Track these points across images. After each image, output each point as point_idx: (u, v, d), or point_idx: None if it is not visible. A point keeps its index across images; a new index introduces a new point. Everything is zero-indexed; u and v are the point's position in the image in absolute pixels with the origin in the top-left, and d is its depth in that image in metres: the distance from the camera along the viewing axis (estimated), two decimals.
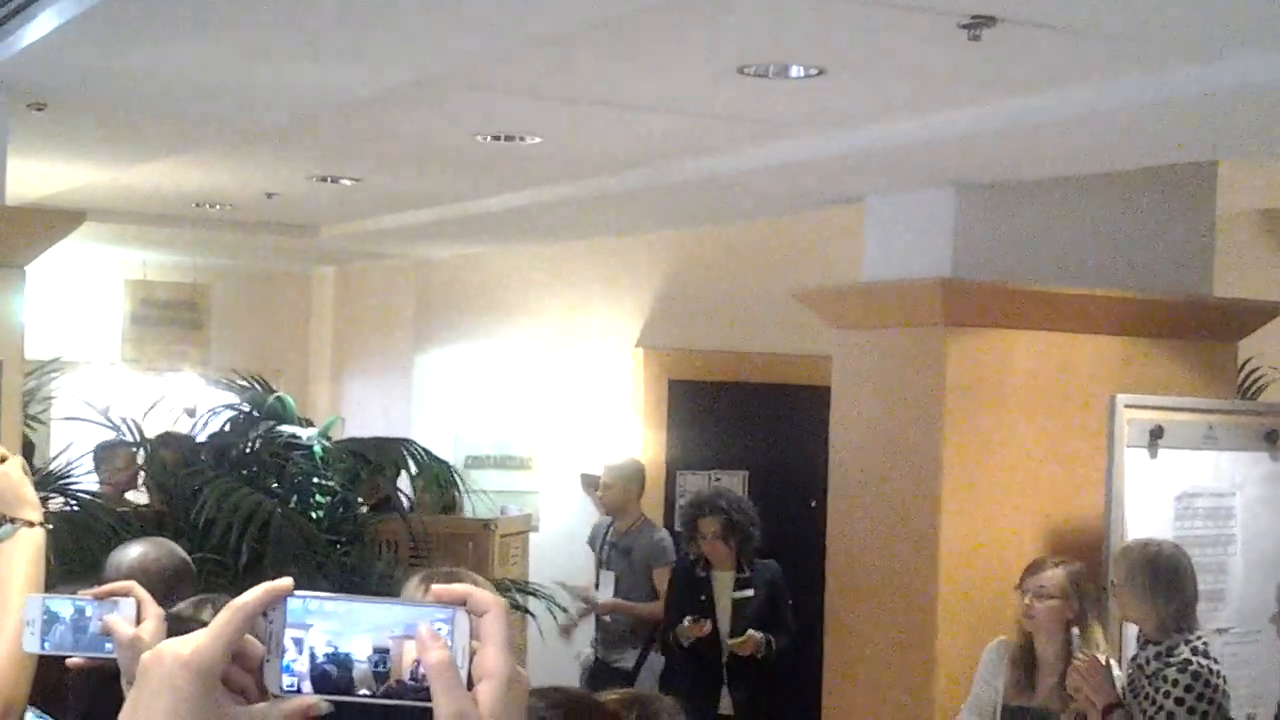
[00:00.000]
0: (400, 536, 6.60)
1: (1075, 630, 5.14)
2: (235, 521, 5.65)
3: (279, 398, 6.64)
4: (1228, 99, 4.40)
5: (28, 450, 6.47)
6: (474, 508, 8.22)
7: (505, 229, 8.30)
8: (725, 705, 6.96)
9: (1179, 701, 4.80)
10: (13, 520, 2.46)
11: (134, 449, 7.55)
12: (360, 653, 1.23)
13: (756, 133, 5.54)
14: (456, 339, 9.58)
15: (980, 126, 4.93)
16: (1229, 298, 6.68)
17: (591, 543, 8.54)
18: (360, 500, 6.68)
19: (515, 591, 6.52)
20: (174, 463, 7.70)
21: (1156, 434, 5.82)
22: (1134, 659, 5.08)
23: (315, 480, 6.20)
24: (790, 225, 8.59)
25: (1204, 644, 4.94)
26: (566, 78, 4.80)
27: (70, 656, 2.08)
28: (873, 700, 6.22)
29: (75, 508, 5.99)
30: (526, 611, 6.83)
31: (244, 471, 6.23)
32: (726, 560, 7.06)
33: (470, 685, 1.21)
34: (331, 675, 1.22)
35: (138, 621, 1.85)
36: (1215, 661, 4.92)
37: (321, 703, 1.22)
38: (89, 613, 1.96)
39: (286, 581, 1.25)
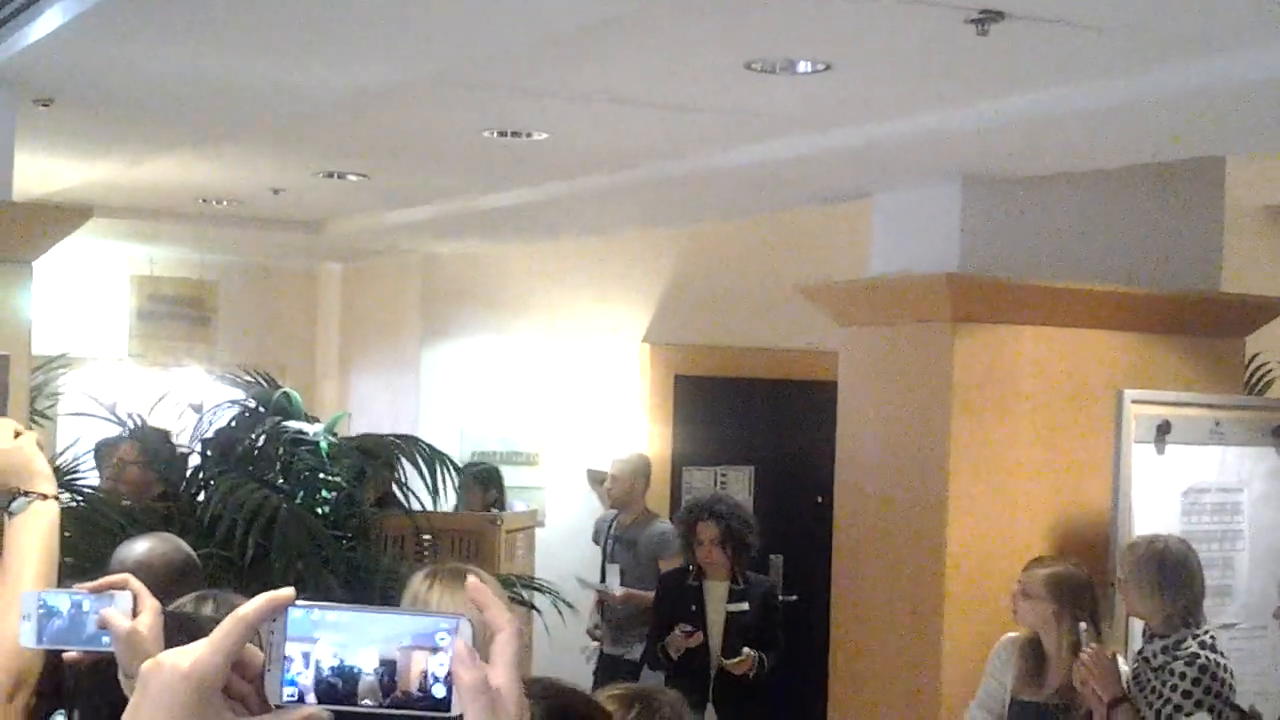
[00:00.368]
0: (406, 532, 6.60)
1: (1083, 625, 5.13)
2: (241, 517, 5.65)
3: (285, 393, 6.64)
4: (1236, 94, 4.39)
5: None
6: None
7: (512, 225, 8.30)
8: None
9: (1186, 694, 4.80)
10: (26, 494, 2.47)
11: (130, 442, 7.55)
12: (367, 665, 1.22)
13: (763, 128, 5.54)
14: (463, 335, 9.58)
15: (988, 122, 4.92)
16: (1236, 293, 6.66)
17: (596, 537, 8.57)
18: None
19: (520, 587, 6.52)
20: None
21: (1164, 429, 5.81)
22: (1140, 653, 5.08)
23: (321, 476, 6.20)
24: (797, 220, 8.59)
25: (1211, 638, 4.95)
26: (573, 74, 4.80)
27: (67, 650, 2.08)
28: (879, 696, 6.22)
29: (82, 503, 5.99)
30: (532, 607, 6.83)
31: (250, 467, 6.23)
32: (721, 569, 6.74)
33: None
34: (336, 687, 1.22)
35: (134, 614, 1.85)
36: (1222, 655, 4.92)
37: (323, 712, 1.22)
38: (86, 607, 1.96)
39: (288, 592, 1.25)
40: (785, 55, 4.38)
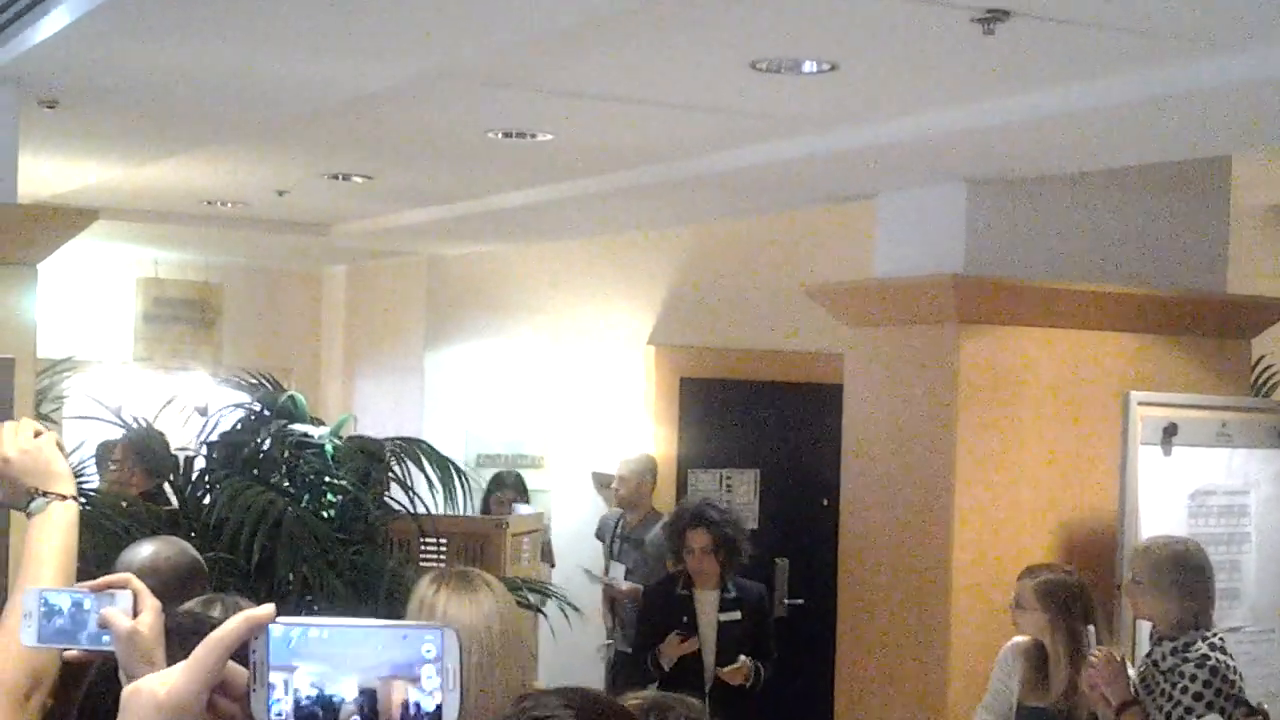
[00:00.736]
0: (412, 536, 6.59)
1: (1091, 627, 5.12)
2: (247, 520, 5.64)
3: (290, 396, 6.63)
4: (1240, 93, 4.38)
5: None
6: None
7: (517, 226, 8.29)
8: None
9: (1197, 696, 4.80)
10: (45, 494, 2.46)
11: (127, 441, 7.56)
12: (347, 694, 1.22)
13: (769, 128, 5.53)
14: (468, 337, 9.57)
15: (993, 122, 4.91)
16: (1243, 294, 6.66)
17: (600, 535, 8.58)
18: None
19: (527, 590, 6.50)
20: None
21: (1170, 431, 5.80)
22: (1148, 655, 5.07)
23: (326, 479, 6.19)
24: (802, 221, 8.59)
25: (1220, 640, 4.94)
26: (578, 74, 4.80)
27: (68, 649, 2.08)
28: (886, 699, 6.21)
29: (87, 506, 5.98)
30: (538, 610, 6.81)
31: (255, 470, 6.22)
32: (711, 578, 6.45)
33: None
34: (317, 716, 1.21)
35: (135, 614, 1.85)
36: (1231, 658, 4.91)
37: None
38: (86, 606, 1.95)
39: (267, 610, 1.24)
40: (791, 55, 4.37)
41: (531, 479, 9.07)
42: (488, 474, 8.81)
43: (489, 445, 9.41)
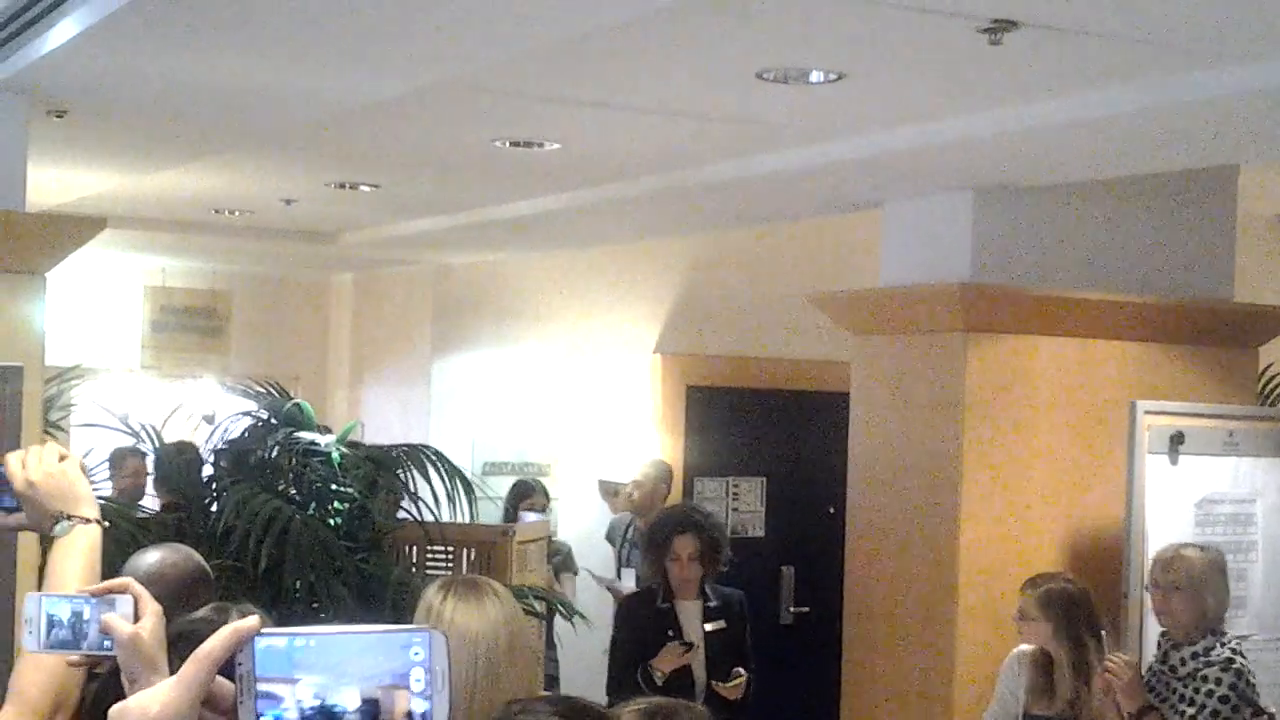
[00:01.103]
0: (418, 543, 6.60)
1: (1104, 632, 5.14)
2: (254, 528, 5.65)
3: (297, 404, 6.64)
4: (1247, 103, 4.39)
5: None
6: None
7: (523, 235, 8.30)
8: None
9: (1224, 700, 4.84)
10: (70, 517, 2.48)
11: (142, 457, 7.59)
12: (349, 703, 1.22)
13: (775, 138, 5.53)
14: (474, 345, 9.58)
15: (1000, 131, 4.91)
16: (1249, 303, 6.66)
17: (610, 539, 8.59)
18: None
19: (533, 598, 6.51)
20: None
21: (1177, 440, 5.80)
22: (1163, 661, 5.08)
23: (333, 487, 6.20)
24: (809, 230, 8.59)
25: (1238, 643, 5.01)
26: (584, 83, 4.80)
27: (70, 655, 2.09)
28: (892, 706, 6.20)
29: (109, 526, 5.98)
30: (543, 618, 6.82)
31: (262, 478, 6.23)
32: (693, 587, 6.06)
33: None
34: None
35: (135, 619, 1.85)
36: (1249, 662, 4.99)
37: None
38: (87, 612, 1.96)
39: (252, 621, 1.25)
40: (798, 64, 4.38)
41: None
42: (494, 482, 8.82)
43: (496, 453, 9.42)
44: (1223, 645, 4.97)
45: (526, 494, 8.53)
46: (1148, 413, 5.75)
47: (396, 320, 10.34)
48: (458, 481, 6.34)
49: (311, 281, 11.12)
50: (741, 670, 5.98)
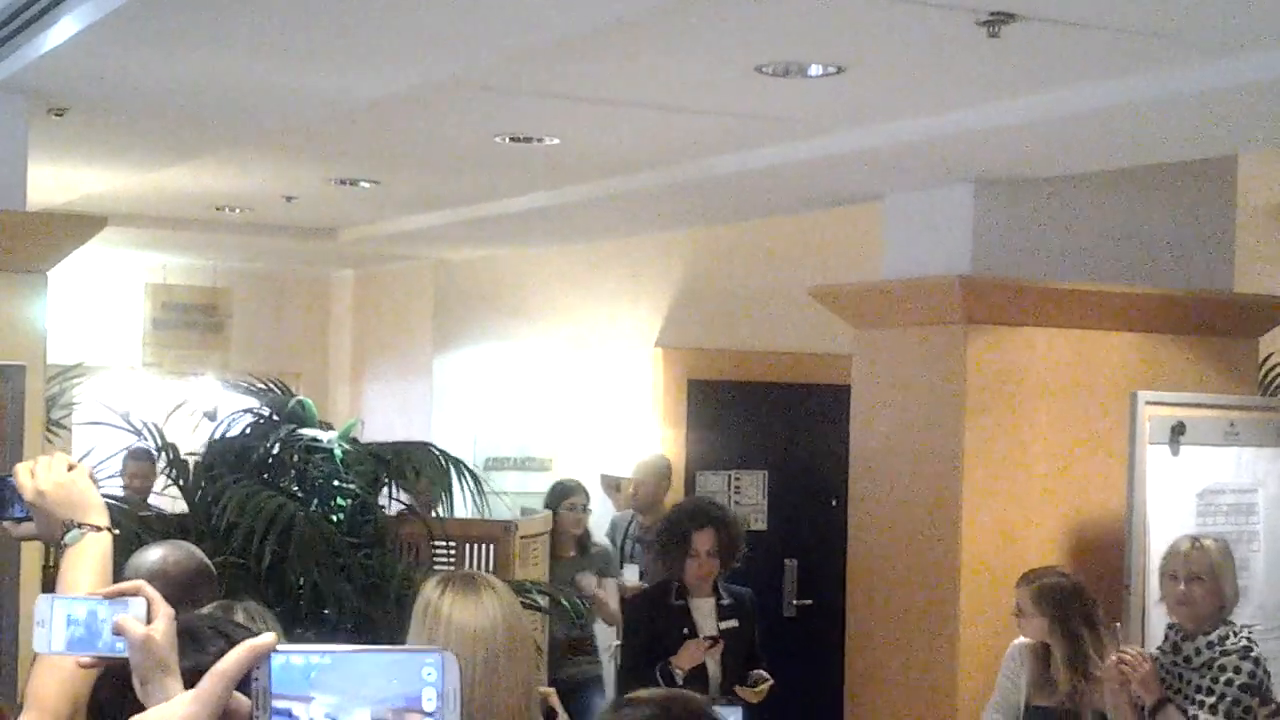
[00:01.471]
0: (421, 539, 6.60)
1: (1118, 624, 5.17)
2: (257, 525, 5.66)
3: (299, 401, 6.64)
4: (1246, 94, 4.39)
5: None
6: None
7: (524, 230, 8.31)
8: None
9: (1244, 688, 4.87)
10: (80, 525, 2.50)
11: (150, 460, 7.61)
12: None
13: (775, 131, 5.54)
14: (476, 340, 9.59)
15: (999, 123, 4.92)
16: (1250, 293, 6.66)
17: (611, 536, 8.57)
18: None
19: (535, 593, 6.51)
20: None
21: (1178, 430, 5.81)
22: (1173, 653, 5.09)
23: (336, 483, 6.20)
24: (809, 223, 8.58)
25: (1249, 631, 5.05)
26: (584, 78, 4.81)
27: (82, 657, 2.09)
28: (895, 698, 6.21)
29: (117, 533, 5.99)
30: (547, 613, 6.82)
31: (265, 475, 6.24)
32: (706, 584, 5.88)
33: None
34: None
35: (148, 620, 1.86)
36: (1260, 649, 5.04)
37: None
38: (101, 613, 1.96)
39: (269, 638, 1.26)
40: (796, 58, 4.38)
41: (540, 482, 9.08)
42: (497, 477, 8.82)
43: (498, 448, 9.42)
44: (1236, 634, 5.01)
45: (567, 494, 8.44)
46: (1149, 403, 5.75)
47: (397, 316, 10.34)
48: (466, 476, 6.34)
49: (312, 278, 11.13)
50: (765, 674, 5.77)
